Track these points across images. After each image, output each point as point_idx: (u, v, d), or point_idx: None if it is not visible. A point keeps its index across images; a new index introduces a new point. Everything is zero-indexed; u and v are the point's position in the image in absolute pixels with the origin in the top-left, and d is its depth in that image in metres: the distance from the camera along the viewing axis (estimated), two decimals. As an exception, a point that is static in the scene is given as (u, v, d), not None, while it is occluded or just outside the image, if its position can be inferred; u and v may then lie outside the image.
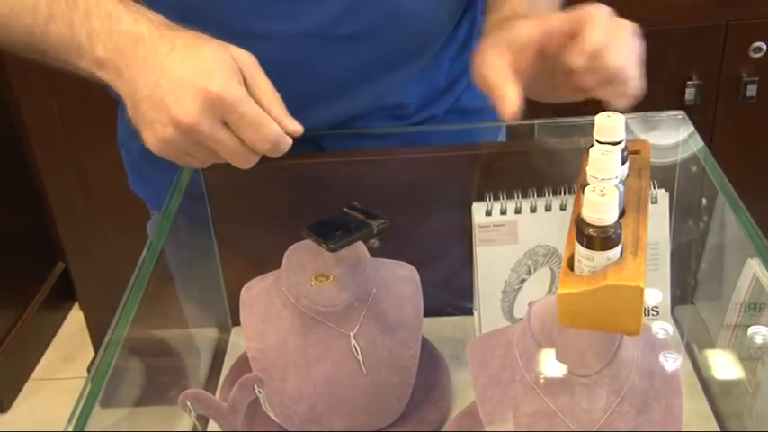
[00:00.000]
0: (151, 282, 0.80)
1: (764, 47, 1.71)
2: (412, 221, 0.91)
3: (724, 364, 0.91)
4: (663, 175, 0.86)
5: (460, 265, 0.91)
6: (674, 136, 0.92)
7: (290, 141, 0.75)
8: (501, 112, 0.75)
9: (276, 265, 0.84)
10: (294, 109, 0.92)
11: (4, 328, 2.18)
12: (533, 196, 0.87)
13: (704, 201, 0.90)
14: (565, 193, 0.86)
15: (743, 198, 0.82)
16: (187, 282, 0.94)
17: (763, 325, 0.81)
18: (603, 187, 0.60)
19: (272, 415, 0.79)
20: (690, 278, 0.94)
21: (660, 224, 0.86)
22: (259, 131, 0.72)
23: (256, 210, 0.95)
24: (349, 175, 0.93)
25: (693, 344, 0.91)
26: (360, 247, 0.83)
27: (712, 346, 0.91)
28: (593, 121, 0.67)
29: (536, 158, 0.92)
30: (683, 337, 0.92)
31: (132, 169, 1.06)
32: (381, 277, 0.84)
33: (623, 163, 0.68)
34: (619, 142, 0.67)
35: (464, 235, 0.88)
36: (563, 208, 0.85)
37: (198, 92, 0.69)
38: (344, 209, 0.81)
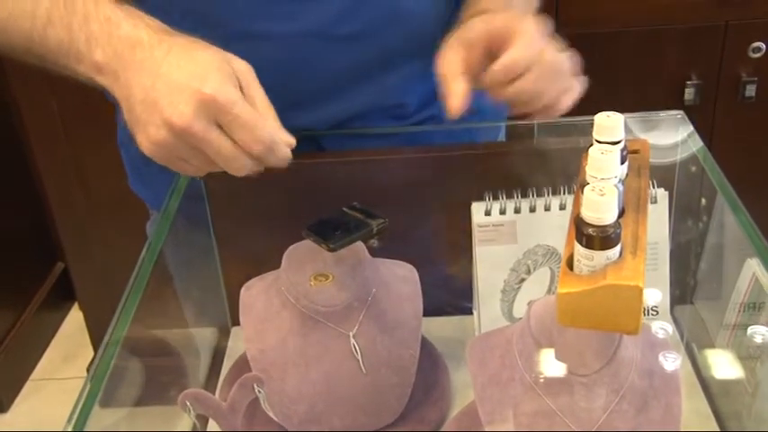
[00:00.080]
0: (151, 282, 0.80)
1: (764, 47, 1.71)
2: (411, 221, 0.91)
3: (723, 364, 0.91)
4: (662, 175, 0.86)
5: (460, 265, 0.91)
6: (673, 136, 0.92)
7: (287, 151, 0.74)
8: (446, 109, 0.78)
9: (276, 265, 0.84)
10: (294, 109, 0.92)
11: (4, 327, 2.18)
12: (533, 196, 0.87)
13: (703, 200, 0.90)
14: (564, 193, 0.86)
15: (742, 198, 0.82)
16: (186, 282, 0.94)
17: (762, 325, 0.81)
18: (603, 187, 0.60)
19: (271, 415, 0.80)
20: (689, 278, 0.94)
21: (659, 224, 0.86)
22: (252, 133, 0.71)
23: (256, 210, 0.95)
24: (349, 175, 0.93)
25: (693, 343, 0.91)
26: (359, 246, 0.83)
27: (712, 345, 0.91)
28: (593, 120, 0.67)
29: (535, 158, 0.92)
30: (682, 337, 0.92)
31: (132, 169, 1.06)
32: (381, 277, 0.84)
33: (622, 162, 0.68)
34: (618, 142, 0.67)
35: (463, 235, 0.88)
36: (562, 207, 0.86)
37: (192, 94, 0.69)
38: (344, 209, 0.81)
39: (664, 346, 0.71)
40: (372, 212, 0.80)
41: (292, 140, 0.75)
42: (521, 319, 0.71)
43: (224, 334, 0.99)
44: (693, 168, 0.90)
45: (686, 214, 0.91)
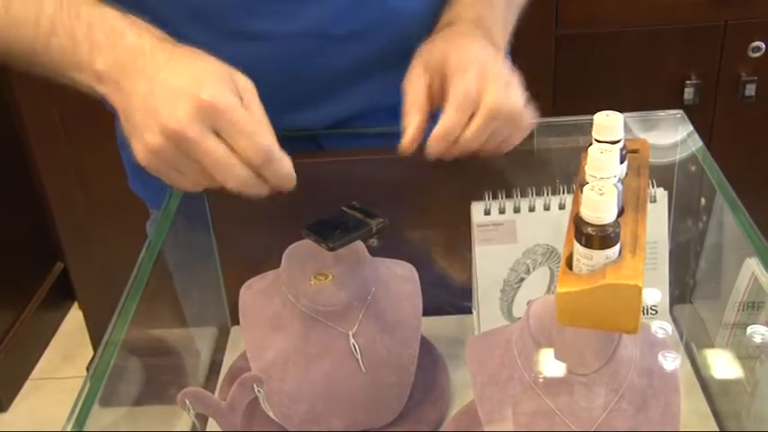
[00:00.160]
0: (150, 281, 0.80)
1: (763, 46, 1.71)
2: (411, 221, 0.91)
3: (722, 363, 0.91)
4: (662, 175, 0.86)
5: (459, 265, 0.91)
6: (672, 135, 0.92)
7: (289, 165, 0.71)
8: (401, 142, 0.78)
9: (275, 264, 0.84)
10: (294, 108, 0.93)
11: (4, 327, 2.18)
12: (532, 195, 0.87)
13: (703, 200, 0.90)
14: (563, 192, 0.86)
15: (741, 197, 0.82)
16: (186, 281, 0.94)
17: (761, 324, 0.81)
18: (602, 186, 0.60)
19: (271, 414, 0.80)
20: (688, 277, 0.94)
21: (659, 223, 0.86)
22: (251, 139, 0.69)
23: (255, 209, 0.95)
24: (348, 175, 0.93)
25: (692, 343, 0.91)
26: (359, 246, 0.83)
27: (711, 345, 0.91)
28: (592, 120, 0.68)
29: (535, 158, 0.92)
30: (681, 337, 0.92)
31: (132, 169, 1.06)
32: (380, 276, 0.84)
33: (622, 162, 0.68)
34: (617, 141, 0.67)
35: (463, 234, 0.88)
36: (562, 207, 0.86)
37: (190, 99, 0.67)
38: (343, 208, 0.81)
39: (663, 346, 0.71)
40: (372, 212, 0.80)
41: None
42: (520, 318, 0.71)
43: (224, 333, 0.99)
44: (693, 168, 0.90)
45: (685, 214, 0.91)
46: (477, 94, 0.76)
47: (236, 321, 0.91)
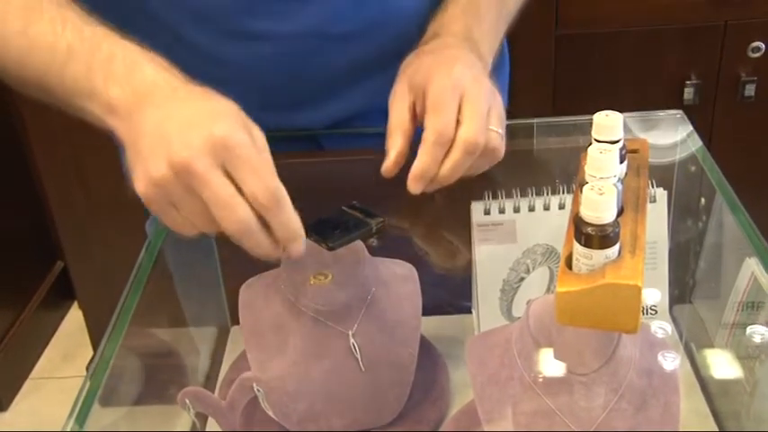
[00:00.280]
0: (150, 281, 0.80)
1: (763, 47, 1.72)
2: (411, 220, 0.91)
3: (722, 363, 0.91)
4: (661, 175, 0.86)
5: (459, 265, 0.91)
6: (672, 135, 0.92)
7: (298, 224, 0.68)
8: (384, 164, 0.78)
9: (275, 263, 0.84)
10: (294, 108, 0.93)
11: (4, 326, 2.18)
12: (532, 195, 0.87)
13: (702, 200, 0.90)
14: (563, 192, 0.86)
15: (741, 197, 0.82)
16: (186, 281, 0.94)
17: (761, 324, 0.81)
18: (602, 186, 0.60)
19: (270, 413, 0.80)
20: (688, 277, 0.95)
21: (658, 223, 0.86)
22: (262, 179, 0.65)
23: (255, 209, 0.95)
24: (348, 175, 0.93)
25: (691, 343, 0.91)
26: (359, 245, 0.83)
27: (710, 345, 0.91)
28: (592, 119, 0.68)
29: (534, 157, 0.92)
30: (681, 336, 0.92)
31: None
32: (380, 276, 0.85)
33: (622, 162, 0.68)
34: (617, 141, 0.67)
35: (463, 234, 0.88)
36: (561, 207, 0.86)
37: (201, 132, 0.65)
38: (343, 208, 0.81)
39: (662, 346, 0.71)
40: (371, 212, 0.80)
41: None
42: (520, 318, 0.71)
43: (223, 333, 0.99)
44: (692, 168, 0.90)
45: (685, 214, 0.91)
46: (454, 128, 0.75)
47: (235, 321, 0.91)
